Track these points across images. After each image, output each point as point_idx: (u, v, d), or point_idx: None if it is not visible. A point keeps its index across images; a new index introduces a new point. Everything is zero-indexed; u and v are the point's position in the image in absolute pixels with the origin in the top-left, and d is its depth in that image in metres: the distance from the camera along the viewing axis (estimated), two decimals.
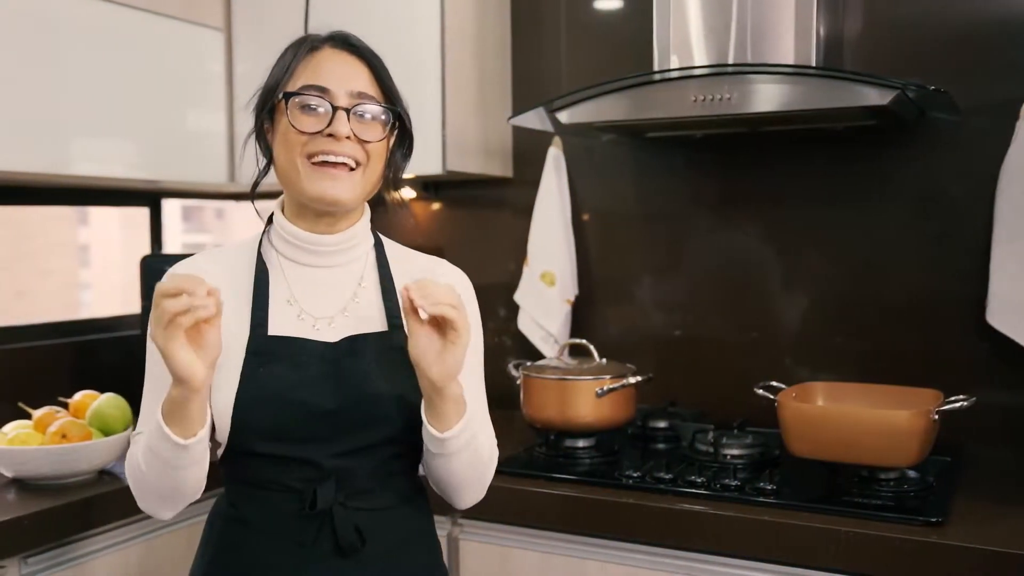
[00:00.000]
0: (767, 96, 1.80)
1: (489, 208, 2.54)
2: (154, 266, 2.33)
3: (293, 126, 1.19)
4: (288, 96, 1.20)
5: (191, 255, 1.34)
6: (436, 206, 2.60)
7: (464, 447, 1.21)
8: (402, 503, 1.28)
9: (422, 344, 1.13)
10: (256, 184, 1.31)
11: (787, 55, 1.87)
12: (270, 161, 1.27)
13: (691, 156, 2.28)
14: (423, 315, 1.11)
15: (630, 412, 2.02)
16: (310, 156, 1.20)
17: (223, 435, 1.21)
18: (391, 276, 1.31)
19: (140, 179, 2.27)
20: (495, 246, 2.50)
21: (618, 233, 2.38)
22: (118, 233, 7.29)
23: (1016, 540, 1.45)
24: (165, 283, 1.06)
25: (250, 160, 1.30)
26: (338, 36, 1.25)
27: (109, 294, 7.08)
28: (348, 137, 1.19)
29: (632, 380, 1.97)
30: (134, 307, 2.44)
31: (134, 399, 2.06)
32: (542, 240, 2.36)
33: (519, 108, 2.35)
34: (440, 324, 1.12)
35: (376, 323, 1.27)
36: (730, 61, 1.91)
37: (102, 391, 1.95)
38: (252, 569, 1.22)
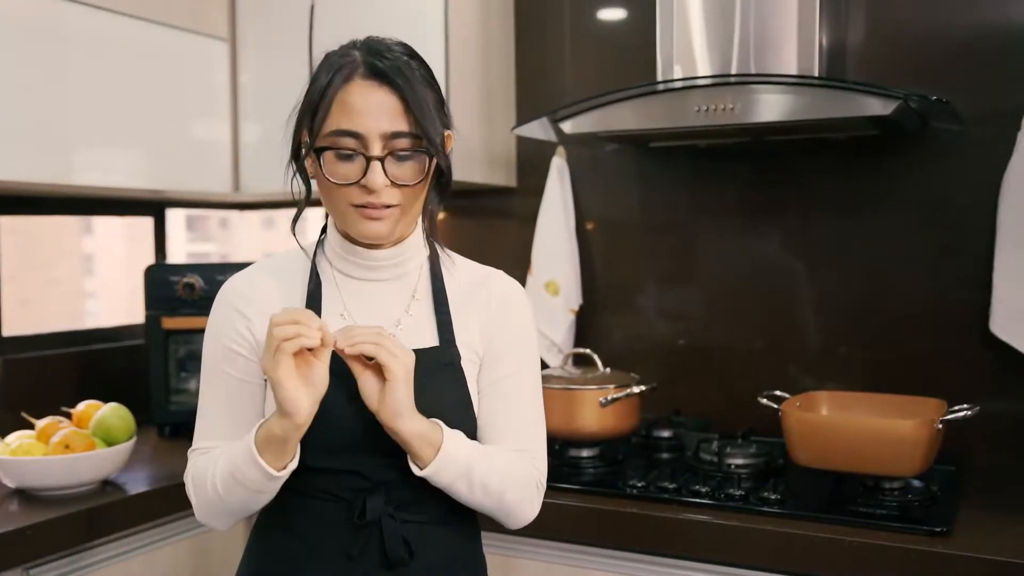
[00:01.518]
0: (770, 106, 1.80)
1: (493, 217, 2.54)
2: (158, 275, 2.34)
3: (328, 179, 1.18)
4: (320, 151, 1.18)
5: (249, 263, 1.32)
6: (439, 215, 2.60)
7: (457, 478, 1.18)
8: (450, 518, 1.26)
9: (366, 388, 1.13)
10: (299, 213, 1.28)
11: (790, 65, 1.87)
12: (309, 189, 1.26)
13: (694, 166, 2.28)
14: (349, 356, 1.12)
15: (634, 421, 2.02)
16: (353, 206, 1.19)
17: None
18: (444, 289, 1.29)
19: (144, 189, 2.28)
20: (499, 255, 2.49)
21: (622, 242, 2.38)
22: (122, 243, 7.31)
23: (1021, 549, 1.45)
24: (278, 314, 1.09)
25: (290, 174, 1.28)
26: (370, 62, 1.18)
27: (114, 303, 7.10)
28: (386, 185, 1.17)
29: (636, 389, 1.97)
30: (138, 317, 2.44)
31: (138, 409, 2.07)
32: (546, 249, 2.37)
33: (523, 118, 2.36)
34: (377, 365, 1.12)
35: (428, 337, 1.25)
36: (733, 71, 1.92)
37: (106, 401, 1.95)
38: None
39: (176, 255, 3.09)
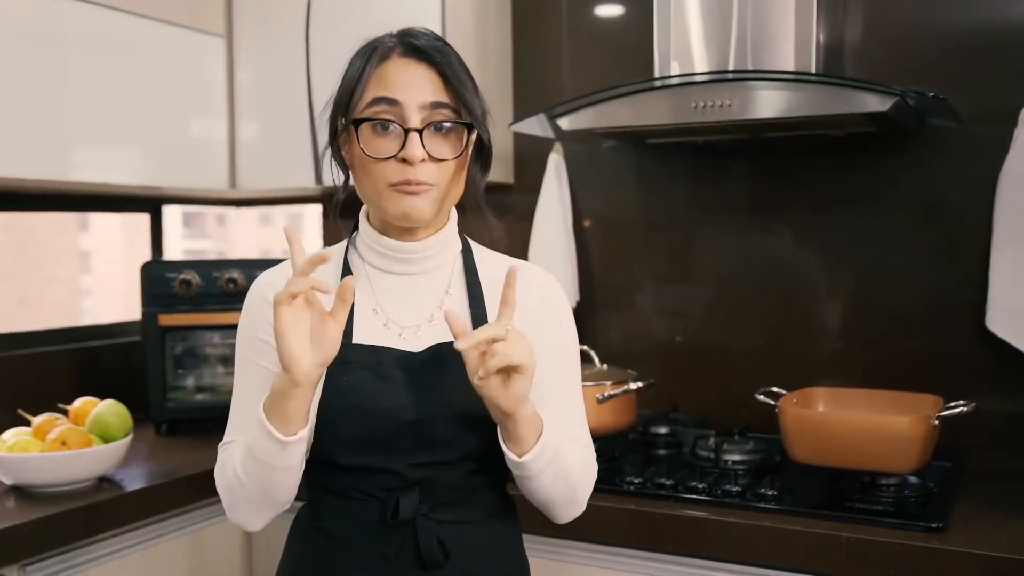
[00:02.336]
0: (767, 103, 1.80)
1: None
2: (155, 272, 2.34)
3: (365, 152, 1.16)
4: (358, 123, 1.16)
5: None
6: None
7: (546, 466, 1.16)
8: (488, 518, 1.24)
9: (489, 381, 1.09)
10: (338, 202, 1.26)
11: (787, 62, 1.87)
12: (348, 177, 1.24)
13: (692, 163, 2.28)
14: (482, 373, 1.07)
15: (631, 418, 2.02)
16: (391, 184, 1.17)
17: (308, 444, 1.19)
18: (479, 283, 1.28)
19: (141, 185, 2.28)
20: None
21: (619, 239, 2.38)
22: (119, 240, 7.30)
23: (1017, 546, 1.45)
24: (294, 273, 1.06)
25: (328, 168, 1.27)
26: (407, 41, 1.18)
27: (111, 300, 7.09)
28: (423, 159, 1.15)
29: (633, 386, 1.97)
30: (135, 314, 2.44)
31: (135, 406, 2.07)
32: (543, 246, 2.37)
33: (520, 114, 2.36)
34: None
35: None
36: (730, 68, 1.92)
37: (103, 398, 1.95)
38: None
39: (173, 252, 3.08)
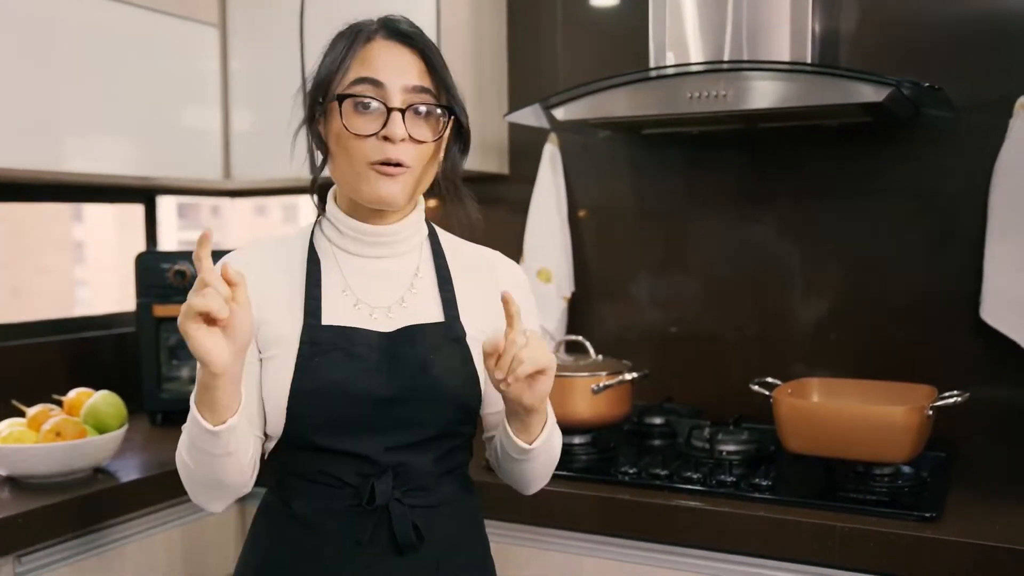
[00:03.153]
0: (763, 93, 1.80)
1: (485, 205, 2.48)
2: (149, 263, 2.33)
3: (347, 128, 1.17)
4: (342, 98, 1.17)
5: (235, 250, 1.31)
6: (431, 203, 2.60)
7: (543, 449, 1.23)
8: (456, 500, 1.27)
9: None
10: (315, 180, 1.27)
11: (782, 52, 1.87)
12: (326, 156, 1.24)
13: (687, 153, 2.28)
14: (506, 381, 1.11)
15: (626, 409, 2.02)
16: (370, 163, 1.18)
17: (277, 428, 1.19)
18: (447, 266, 1.30)
19: (135, 176, 2.27)
20: (491, 243, 2.48)
21: (614, 230, 2.38)
22: (113, 230, 7.28)
23: (1010, 535, 1.46)
24: (199, 279, 1.04)
25: (300, 152, 1.27)
26: (390, 25, 1.21)
27: (105, 291, 7.08)
28: (403, 139, 1.17)
29: (628, 377, 1.97)
30: (129, 304, 2.44)
31: (129, 397, 2.07)
32: (538, 237, 2.37)
33: (515, 105, 2.35)
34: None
35: (433, 313, 1.26)
36: (726, 58, 1.91)
37: (97, 388, 1.95)
38: (308, 565, 1.21)
39: (167, 243, 3.08)
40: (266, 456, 1.26)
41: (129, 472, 1.85)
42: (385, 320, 1.23)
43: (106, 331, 2.52)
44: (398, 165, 1.18)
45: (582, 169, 2.40)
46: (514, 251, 2.43)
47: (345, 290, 1.24)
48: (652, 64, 2.00)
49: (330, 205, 1.28)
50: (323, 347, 1.19)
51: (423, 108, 1.19)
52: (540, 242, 2.36)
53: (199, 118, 2.40)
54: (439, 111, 1.21)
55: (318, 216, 1.30)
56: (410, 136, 1.18)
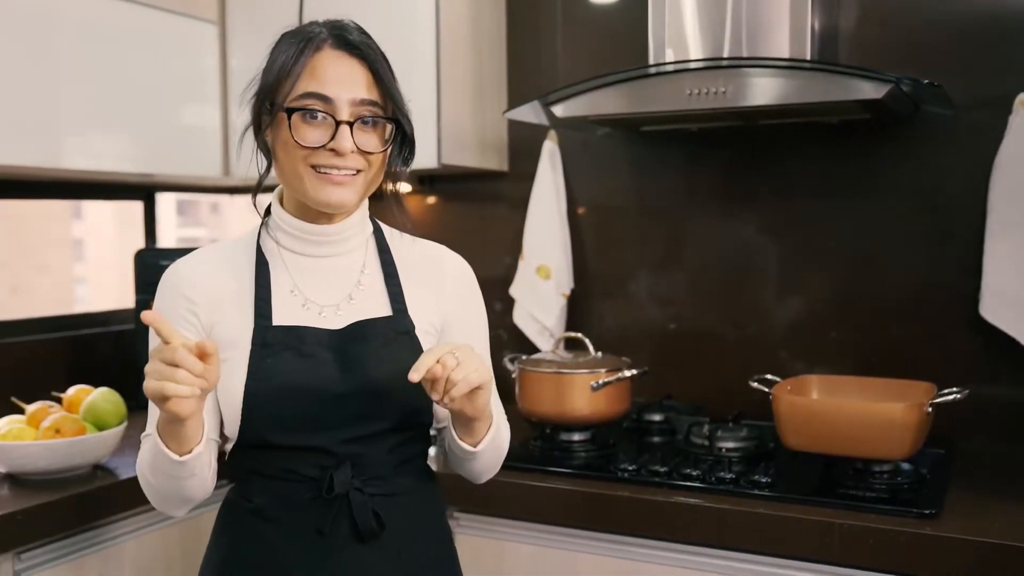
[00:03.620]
0: (762, 90, 1.80)
1: (484, 202, 2.54)
2: (148, 260, 2.33)
3: (295, 139, 1.18)
4: (290, 111, 1.18)
5: (192, 249, 1.33)
6: (431, 200, 2.60)
7: (489, 447, 1.27)
8: (416, 489, 1.29)
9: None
10: (259, 185, 1.29)
11: (782, 49, 1.87)
12: (270, 162, 1.25)
13: (686, 150, 2.28)
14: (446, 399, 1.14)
15: (625, 405, 2.02)
16: (314, 167, 1.20)
17: (233, 428, 1.21)
18: (393, 262, 1.32)
19: (134, 173, 2.27)
20: (490, 240, 2.50)
21: (613, 227, 2.38)
22: (112, 227, 7.28)
23: (1009, 532, 1.46)
24: (161, 351, 1.02)
25: (246, 153, 1.28)
26: (338, 35, 1.22)
27: (104, 288, 7.07)
28: (352, 151, 1.19)
29: (627, 374, 1.97)
30: (129, 301, 2.44)
31: (129, 394, 2.07)
32: (537, 234, 2.36)
33: (515, 102, 2.35)
34: None
35: (382, 308, 1.28)
36: (725, 55, 1.91)
37: (96, 386, 1.94)
38: (271, 558, 1.22)
39: (166, 240, 3.08)
40: (226, 457, 1.28)
41: (128, 469, 1.84)
42: (334, 318, 1.25)
43: (105, 328, 2.52)
44: (346, 173, 1.20)
45: (582, 166, 2.39)
46: (513, 248, 2.43)
47: (293, 290, 1.26)
48: (651, 61, 2.00)
49: (275, 206, 1.29)
50: (275, 347, 1.21)
51: (370, 119, 1.21)
52: (540, 239, 2.36)
53: (198, 115, 2.40)
54: (385, 119, 1.23)
55: (264, 218, 1.31)
56: (358, 148, 1.20)
